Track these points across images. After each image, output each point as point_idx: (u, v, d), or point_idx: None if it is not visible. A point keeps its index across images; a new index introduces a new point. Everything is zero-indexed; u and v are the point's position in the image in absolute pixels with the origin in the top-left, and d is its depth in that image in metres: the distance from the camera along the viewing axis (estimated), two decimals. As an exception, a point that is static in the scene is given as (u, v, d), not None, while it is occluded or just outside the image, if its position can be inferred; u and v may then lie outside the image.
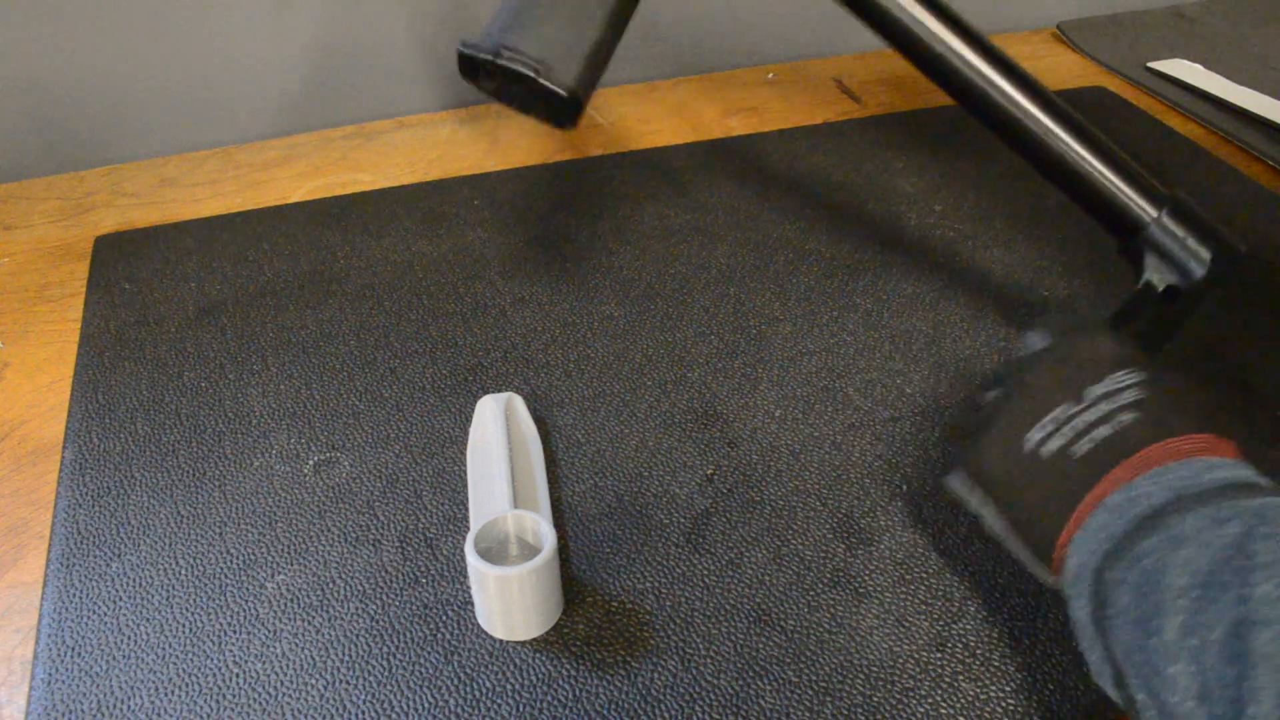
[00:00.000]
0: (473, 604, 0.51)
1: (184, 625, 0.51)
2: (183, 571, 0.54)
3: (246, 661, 0.50)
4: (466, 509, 0.56)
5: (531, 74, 0.46)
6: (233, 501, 0.57)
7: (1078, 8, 1.10)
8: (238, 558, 0.54)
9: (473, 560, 0.47)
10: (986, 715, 0.46)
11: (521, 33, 0.47)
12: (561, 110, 0.47)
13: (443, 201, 0.80)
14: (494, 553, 0.50)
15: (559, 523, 0.55)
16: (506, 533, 0.50)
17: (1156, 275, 0.48)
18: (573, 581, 0.52)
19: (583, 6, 0.47)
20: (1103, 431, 0.43)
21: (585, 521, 0.55)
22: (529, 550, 0.49)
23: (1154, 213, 0.48)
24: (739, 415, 0.61)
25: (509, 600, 0.47)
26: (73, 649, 0.50)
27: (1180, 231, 0.47)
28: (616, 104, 0.93)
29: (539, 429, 0.60)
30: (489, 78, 0.48)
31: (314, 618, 0.51)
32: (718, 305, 0.70)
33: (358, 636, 0.50)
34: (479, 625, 0.50)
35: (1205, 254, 0.47)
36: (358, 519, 0.56)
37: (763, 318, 0.69)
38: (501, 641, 0.50)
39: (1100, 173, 0.49)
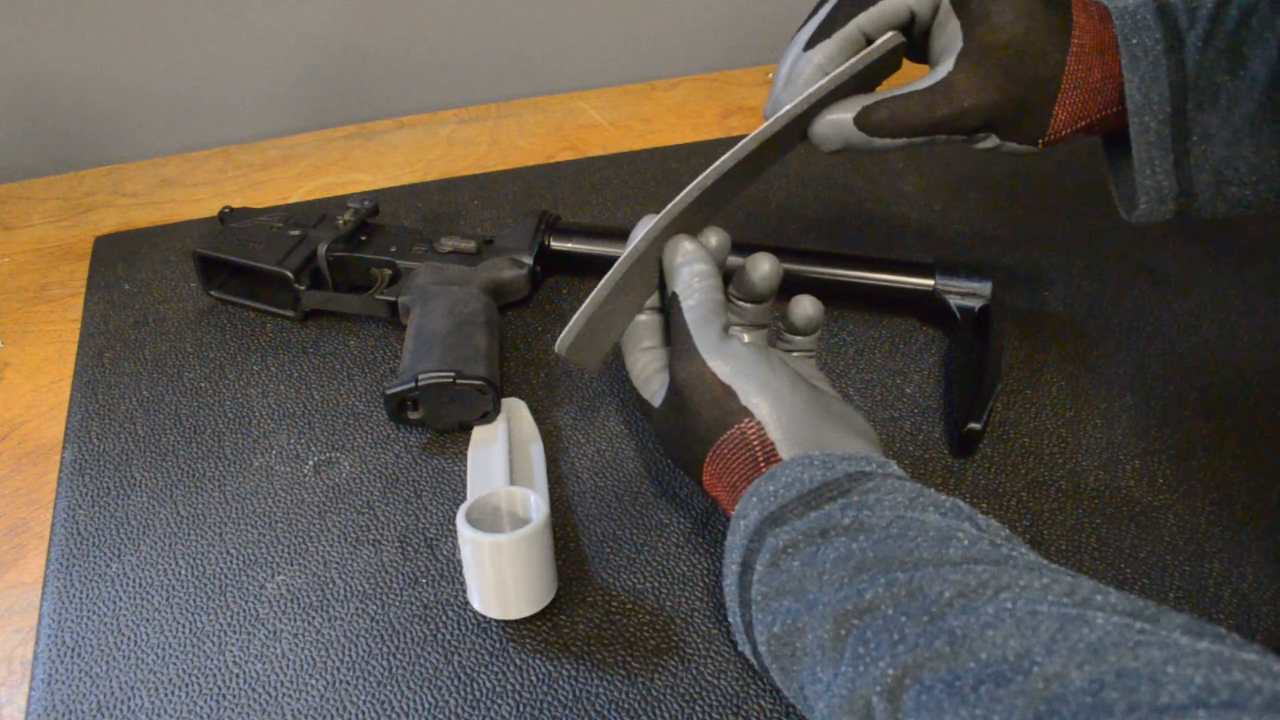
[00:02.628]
0: (472, 604, 0.50)
1: (184, 625, 0.51)
2: (183, 571, 0.54)
3: (246, 661, 0.50)
4: (466, 509, 0.56)
5: (450, 379, 0.57)
6: (233, 502, 0.57)
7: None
8: (238, 558, 0.54)
9: (465, 529, 0.47)
10: (986, 715, 0.46)
11: (428, 361, 0.58)
12: (482, 399, 0.58)
13: (443, 201, 0.80)
14: (487, 526, 0.50)
15: (559, 523, 0.55)
16: (499, 508, 0.51)
17: (963, 305, 0.64)
18: (573, 581, 0.52)
19: (466, 335, 0.60)
20: None
21: (585, 521, 0.55)
22: (522, 525, 0.49)
23: (930, 281, 0.65)
24: (739, 415, 0.61)
25: (501, 571, 0.47)
26: (73, 649, 0.50)
27: (955, 282, 0.64)
28: (616, 104, 0.93)
29: (539, 429, 0.60)
30: (414, 407, 0.59)
31: (314, 618, 0.51)
32: (718, 305, 0.70)
33: (358, 636, 0.50)
34: (474, 612, 0.50)
35: (986, 284, 0.64)
36: (358, 519, 0.56)
37: (763, 318, 0.69)
38: (501, 641, 0.50)
39: (891, 284, 0.66)
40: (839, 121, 0.51)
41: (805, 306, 0.52)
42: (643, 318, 0.53)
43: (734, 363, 0.47)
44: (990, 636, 0.33)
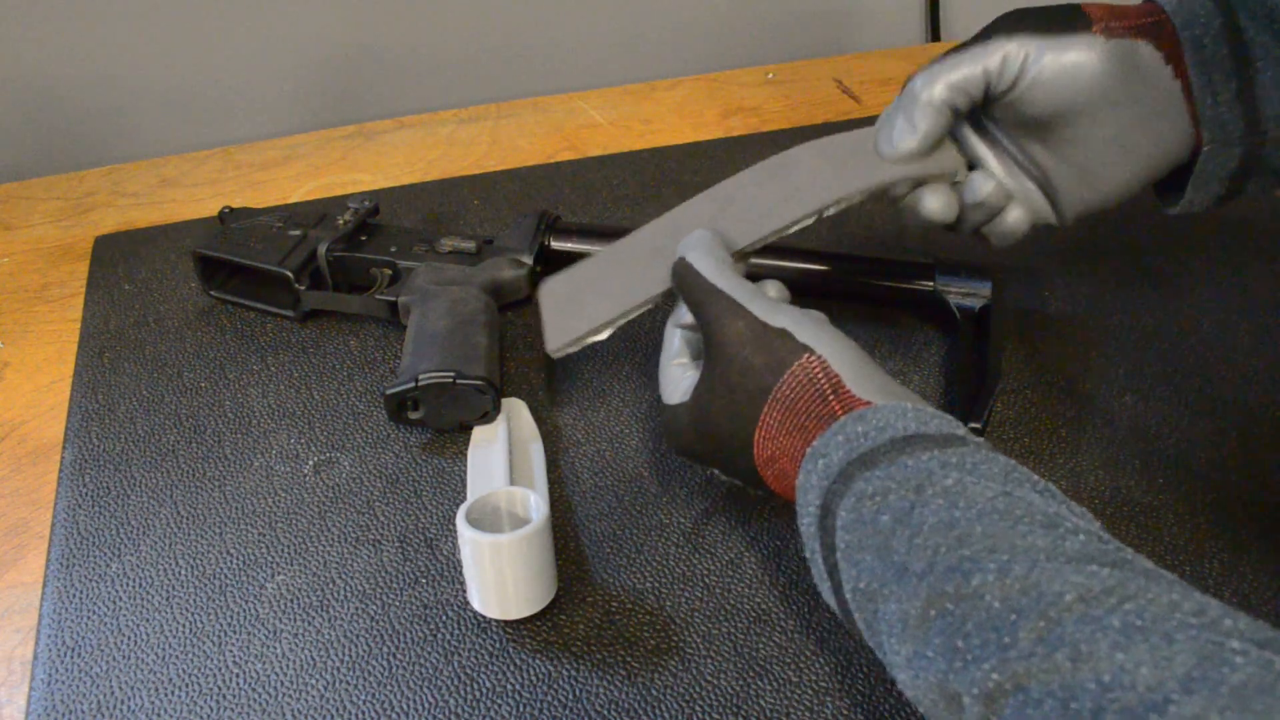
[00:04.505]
0: (472, 604, 0.50)
1: (184, 625, 0.51)
2: (183, 571, 0.54)
3: (246, 661, 0.50)
4: (466, 509, 0.56)
5: (450, 379, 0.57)
6: (233, 502, 0.57)
7: (1078, 8, 1.10)
8: (238, 558, 0.54)
9: (464, 529, 0.47)
10: (986, 715, 0.46)
11: (428, 361, 0.59)
12: (482, 399, 0.58)
13: (443, 201, 0.80)
14: (487, 526, 0.50)
15: (559, 523, 0.55)
16: (499, 508, 0.51)
17: (964, 305, 0.64)
18: (573, 582, 0.52)
19: (466, 335, 0.60)
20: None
21: (585, 521, 0.55)
22: (522, 525, 0.49)
23: (930, 281, 0.64)
24: (739, 415, 0.61)
25: (501, 571, 0.47)
26: (73, 649, 0.50)
27: (955, 282, 0.64)
28: (616, 104, 0.93)
29: (539, 429, 0.60)
30: (414, 407, 0.59)
31: (314, 618, 0.51)
32: (718, 305, 0.70)
33: (358, 636, 0.50)
34: (474, 612, 0.50)
35: (986, 284, 0.63)
36: (358, 519, 0.56)
37: (763, 318, 0.69)
38: (501, 641, 0.50)
39: (891, 284, 0.66)
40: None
41: (769, 291, 0.51)
42: (679, 333, 0.52)
43: (783, 310, 0.46)
44: (1118, 659, 0.30)
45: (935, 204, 0.53)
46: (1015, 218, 0.54)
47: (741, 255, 0.53)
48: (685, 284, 0.49)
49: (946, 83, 0.50)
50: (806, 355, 0.44)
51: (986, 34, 0.51)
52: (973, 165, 0.55)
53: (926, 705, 0.36)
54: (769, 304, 0.47)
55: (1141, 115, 0.49)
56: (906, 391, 0.44)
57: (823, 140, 0.54)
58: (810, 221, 0.52)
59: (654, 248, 0.54)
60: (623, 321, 0.54)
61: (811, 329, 0.45)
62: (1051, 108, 0.50)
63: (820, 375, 0.43)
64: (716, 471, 0.51)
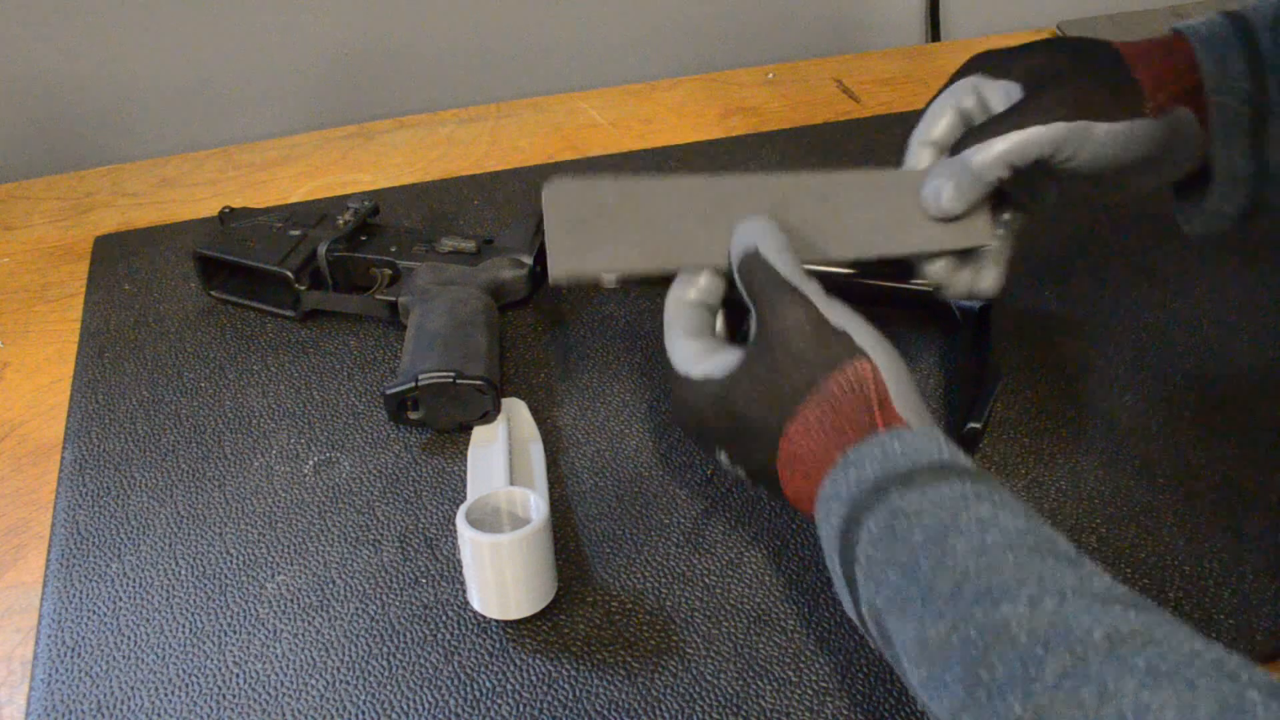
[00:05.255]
0: (472, 604, 0.50)
1: (184, 625, 0.51)
2: (183, 571, 0.54)
3: (246, 661, 0.50)
4: (466, 509, 0.56)
5: (450, 379, 0.57)
6: (233, 501, 0.57)
7: (1078, 7, 1.10)
8: (238, 558, 0.54)
9: (464, 529, 0.47)
10: (986, 715, 0.46)
11: (428, 361, 0.58)
12: (482, 399, 0.59)
13: (443, 201, 0.80)
14: (487, 526, 0.50)
15: (559, 523, 0.55)
16: (499, 508, 0.51)
17: (964, 305, 0.63)
18: (573, 582, 0.52)
19: (466, 335, 0.60)
20: None
21: (585, 522, 0.55)
22: (521, 525, 0.49)
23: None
24: (739, 415, 0.61)
25: (501, 571, 0.47)
26: (73, 649, 0.50)
27: None
28: (616, 104, 0.93)
29: (539, 429, 0.60)
30: (414, 407, 0.59)
31: (314, 618, 0.51)
32: (718, 305, 0.70)
33: (358, 636, 0.50)
34: (474, 612, 0.50)
35: None
36: (358, 519, 0.56)
37: (763, 318, 0.69)
38: (501, 641, 0.50)
39: (891, 284, 0.65)
40: (954, 171, 0.51)
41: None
42: (692, 299, 0.50)
43: (846, 313, 0.46)
44: (1144, 698, 0.30)
45: (963, 280, 0.54)
46: (993, 278, 0.55)
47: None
48: (753, 273, 0.48)
49: (1001, 158, 0.50)
50: (861, 360, 0.44)
51: (1036, 90, 0.51)
52: None
53: None
54: (833, 304, 0.46)
55: (1175, 165, 0.53)
56: (932, 418, 0.45)
57: (872, 175, 0.53)
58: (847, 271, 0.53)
59: (701, 213, 0.50)
60: (644, 275, 0.51)
61: (871, 336, 0.45)
62: (1092, 171, 0.51)
63: (870, 383, 0.43)
64: (723, 455, 0.48)
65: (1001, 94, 0.52)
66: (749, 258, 0.48)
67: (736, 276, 0.49)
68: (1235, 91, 0.50)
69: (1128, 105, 0.50)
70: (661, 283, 0.51)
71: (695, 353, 0.49)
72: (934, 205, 0.52)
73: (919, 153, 0.54)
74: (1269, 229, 0.75)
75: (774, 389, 0.45)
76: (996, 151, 0.50)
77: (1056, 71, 0.51)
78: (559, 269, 0.50)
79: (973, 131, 0.51)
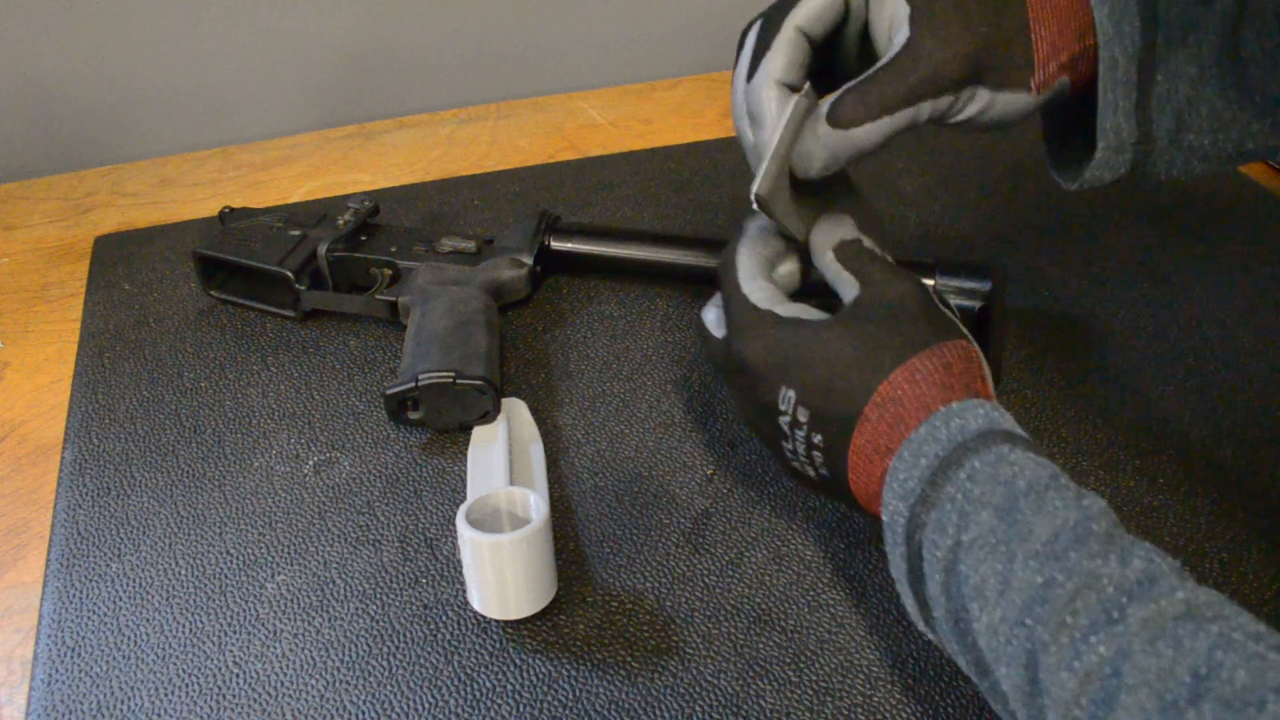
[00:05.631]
0: (472, 604, 0.50)
1: (184, 625, 0.51)
2: (183, 571, 0.54)
3: (246, 661, 0.50)
4: (466, 509, 0.56)
5: (450, 379, 0.58)
6: (233, 501, 0.57)
7: None
8: (238, 558, 0.54)
9: (464, 530, 0.47)
10: (987, 715, 0.46)
11: (428, 361, 0.59)
12: (482, 399, 0.59)
13: (443, 201, 0.80)
14: (487, 526, 0.50)
15: (559, 523, 0.55)
16: (499, 508, 0.51)
17: (963, 305, 0.61)
18: (573, 582, 0.52)
19: (466, 335, 0.60)
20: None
21: (585, 522, 0.55)
22: (521, 525, 0.49)
23: (930, 281, 0.62)
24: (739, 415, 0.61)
25: (501, 571, 0.47)
26: (73, 649, 0.50)
27: (955, 282, 0.62)
28: (616, 104, 0.93)
29: (539, 429, 0.60)
30: (414, 407, 0.59)
31: (314, 618, 0.51)
32: (718, 305, 0.70)
33: (358, 636, 0.50)
34: (474, 612, 0.50)
35: (986, 284, 0.61)
36: (358, 519, 0.56)
37: (763, 318, 0.69)
38: (501, 641, 0.50)
39: None
40: (812, 130, 0.48)
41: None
42: (764, 253, 0.52)
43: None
44: (1217, 657, 0.32)
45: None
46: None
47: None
48: (858, 254, 0.50)
49: (883, 129, 0.48)
50: (970, 342, 0.46)
51: (924, 21, 0.48)
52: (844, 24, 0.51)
53: (1000, 674, 0.37)
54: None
55: (1046, 123, 0.54)
56: None
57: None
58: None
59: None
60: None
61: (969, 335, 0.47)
62: (955, 122, 0.50)
63: (978, 361, 0.45)
64: (788, 394, 0.47)
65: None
66: (848, 243, 0.50)
67: (830, 255, 0.50)
68: (1127, 49, 0.48)
69: (1017, 75, 0.48)
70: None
71: (774, 295, 0.50)
72: (801, 169, 0.50)
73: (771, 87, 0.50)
74: (1269, 229, 0.75)
75: (884, 338, 0.46)
76: (881, 130, 0.48)
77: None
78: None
79: (851, 91, 0.48)
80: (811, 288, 0.54)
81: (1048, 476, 0.39)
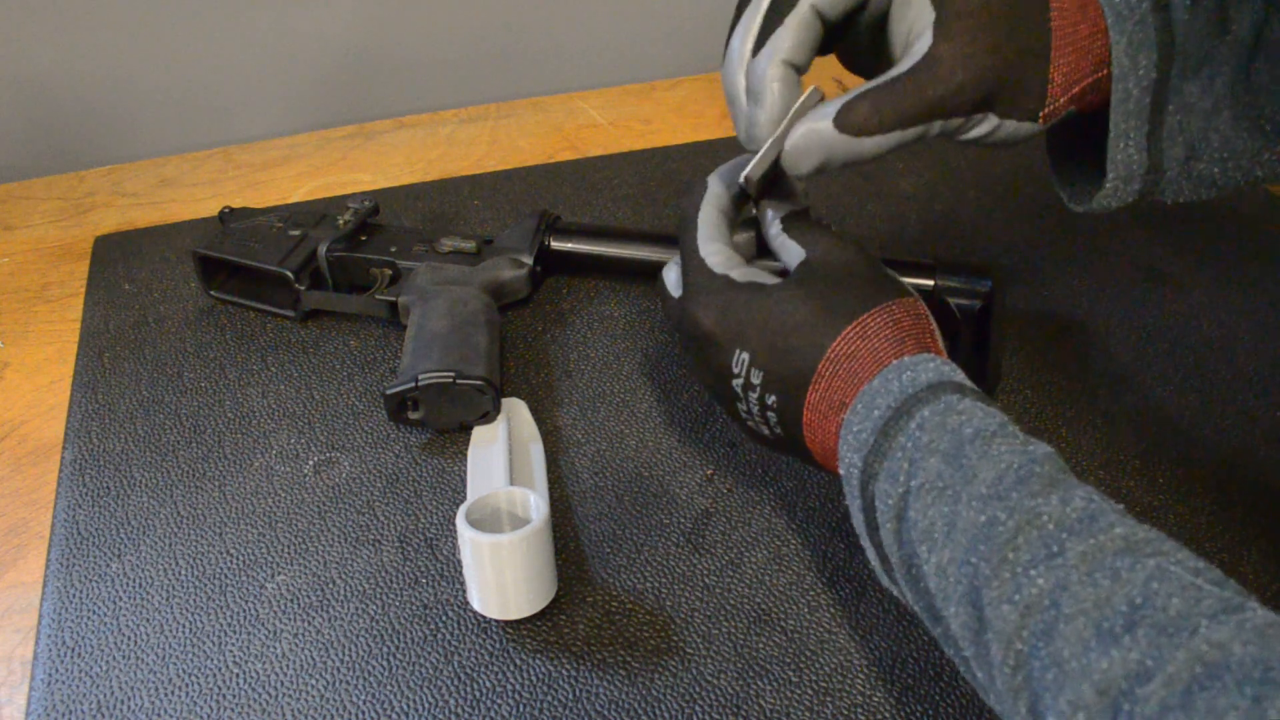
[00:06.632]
0: (472, 604, 0.50)
1: (184, 625, 0.51)
2: (183, 571, 0.54)
3: (246, 661, 0.50)
4: (466, 509, 0.56)
5: (450, 379, 0.58)
6: (233, 501, 0.57)
7: None
8: (238, 558, 0.54)
9: (464, 530, 0.47)
10: (987, 715, 0.46)
11: (428, 361, 0.59)
12: (482, 399, 0.59)
13: (443, 201, 0.80)
14: (487, 526, 0.50)
15: (559, 523, 0.55)
16: (499, 508, 0.51)
17: (963, 305, 0.61)
18: (573, 581, 0.52)
19: (466, 335, 0.61)
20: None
21: (585, 522, 0.55)
22: (521, 525, 0.49)
23: (930, 281, 0.62)
24: (739, 415, 0.61)
25: (501, 571, 0.47)
26: (73, 649, 0.50)
27: (955, 282, 0.61)
28: (616, 104, 0.93)
29: (539, 429, 0.60)
30: (414, 407, 0.59)
31: (314, 618, 0.51)
32: (718, 305, 0.70)
33: (358, 636, 0.50)
34: (474, 612, 0.50)
35: (986, 284, 0.60)
36: (358, 519, 0.56)
37: (763, 318, 0.69)
38: (501, 641, 0.50)
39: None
40: (816, 131, 0.46)
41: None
42: (722, 211, 0.52)
43: None
44: (1153, 587, 0.32)
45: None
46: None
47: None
48: (802, 222, 0.51)
49: (893, 140, 0.48)
50: (917, 300, 0.47)
51: (946, 27, 0.46)
52: (860, 13, 0.50)
53: (949, 615, 0.38)
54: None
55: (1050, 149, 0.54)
56: None
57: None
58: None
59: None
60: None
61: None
62: (961, 138, 0.50)
63: (927, 318, 0.46)
64: (742, 356, 0.47)
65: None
66: (796, 213, 0.51)
67: (777, 225, 0.51)
68: (1141, 80, 0.47)
69: (1028, 104, 0.48)
70: None
71: (730, 259, 0.50)
72: (790, 165, 0.49)
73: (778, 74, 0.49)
74: (1269, 229, 0.75)
75: (834, 298, 0.46)
76: (889, 143, 0.47)
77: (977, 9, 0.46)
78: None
79: (864, 99, 0.47)
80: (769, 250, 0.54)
81: (996, 424, 0.40)
